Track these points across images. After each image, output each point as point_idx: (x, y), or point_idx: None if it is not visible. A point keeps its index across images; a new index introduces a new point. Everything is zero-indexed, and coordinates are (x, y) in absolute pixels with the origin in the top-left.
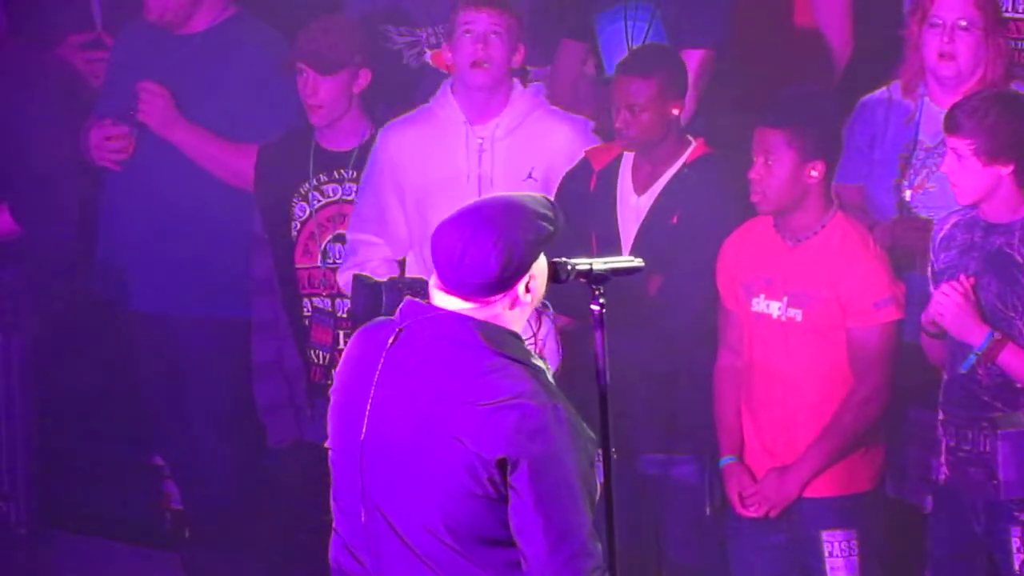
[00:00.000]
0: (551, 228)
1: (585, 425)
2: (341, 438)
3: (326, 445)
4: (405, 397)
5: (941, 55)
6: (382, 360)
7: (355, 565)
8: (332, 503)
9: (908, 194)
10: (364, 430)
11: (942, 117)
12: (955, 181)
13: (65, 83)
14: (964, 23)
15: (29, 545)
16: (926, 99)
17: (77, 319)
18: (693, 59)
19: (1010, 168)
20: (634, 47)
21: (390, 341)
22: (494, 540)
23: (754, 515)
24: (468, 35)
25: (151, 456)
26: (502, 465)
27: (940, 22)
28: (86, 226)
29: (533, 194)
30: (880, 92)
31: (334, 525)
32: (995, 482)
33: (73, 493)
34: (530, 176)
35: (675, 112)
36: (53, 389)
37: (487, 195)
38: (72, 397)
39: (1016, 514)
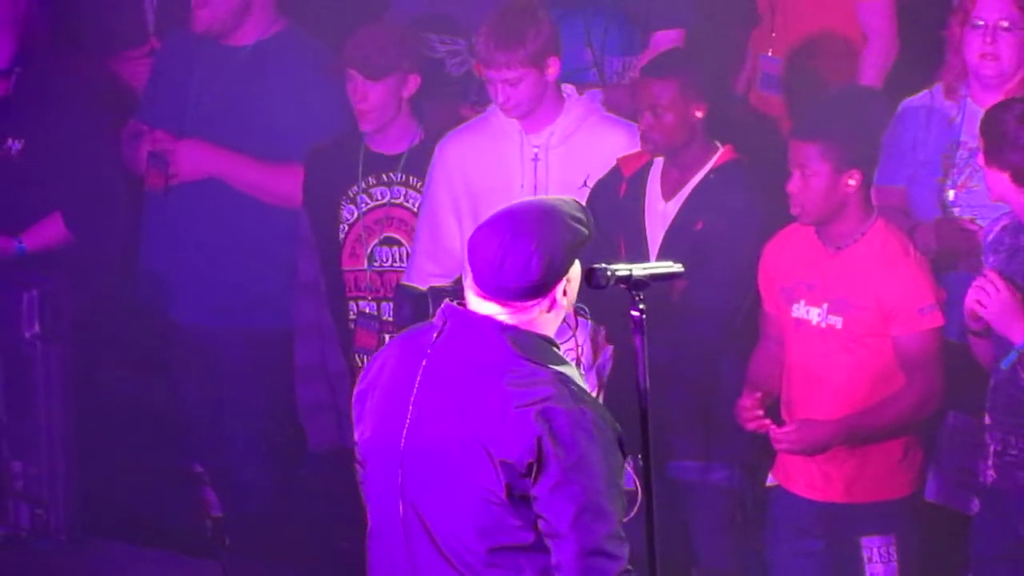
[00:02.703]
0: (586, 231)
1: (618, 428)
2: (381, 440)
3: (356, 441)
4: (440, 402)
5: (983, 56)
6: (423, 364)
7: (389, 567)
8: (367, 503)
9: (951, 194)
10: (405, 433)
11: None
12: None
13: (113, 92)
14: (1006, 23)
15: (69, 552)
16: (968, 100)
17: (118, 327)
18: (665, 41)
19: None
20: (594, 47)
21: (430, 345)
22: (523, 546)
23: (777, 447)
24: (491, 84)
25: (191, 463)
26: (528, 470)
27: (982, 23)
28: (131, 235)
29: (565, 198)
30: (922, 95)
31: (369, 526)
32: None
33: (112, 500)
34: (585, 184)
35: (698, 115)
36: (93, 397)
37: (523, 200)
38: (112, 404)
39: None
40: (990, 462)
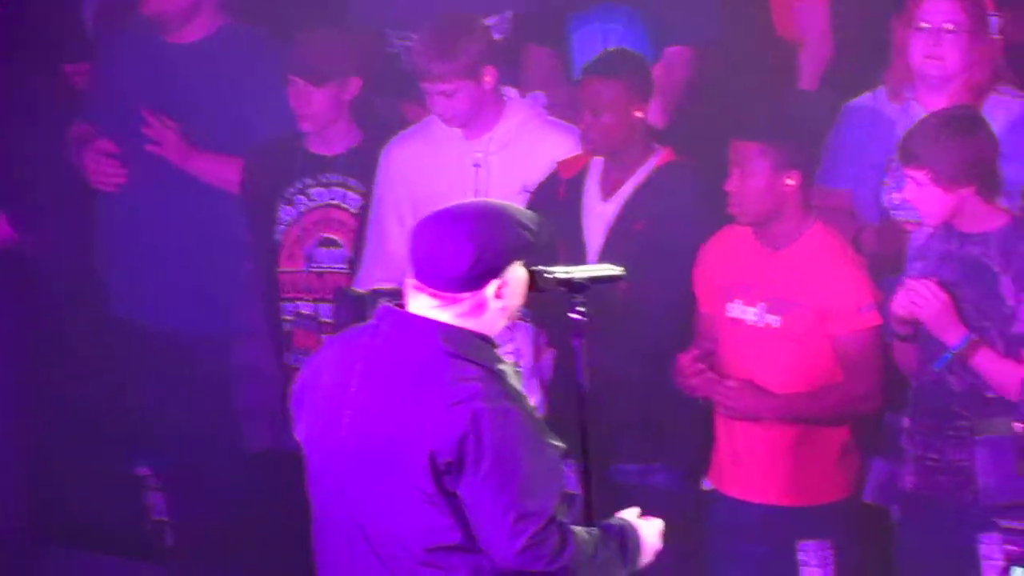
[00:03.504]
0: (530, 238)
1: (547, 430)
2: (320, 440)
3: (298, 439)
4: (375, 403)
5: (927, 58)
6: (359, 365)
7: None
8: (312, 505)
9: (897, 197)
10: (343, 434)
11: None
12: (917, 206)
13: (58, 92)
14: (951, 26)
15: (19, 557)
16: (912, 102)
17: (67, 329)
18: (676, 57)
19: (971, 189)
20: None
21: (365, 346)
22: (456, 546)
23: (720, 405)
24: (431, 96)
25: (135, 466)
26: (449, 468)
27: (927, 25)
28: (81, 236)
29: (521, 207)
30: (865, 97)
31: (314, 525)
32: (973, 489)
33: (59, 505)
34: (524, 190)
35: (638, 115)
36: (44, 400)
37: (473, 199)
38: (62, 407)
39: (996, 520)
40: (910, 467)
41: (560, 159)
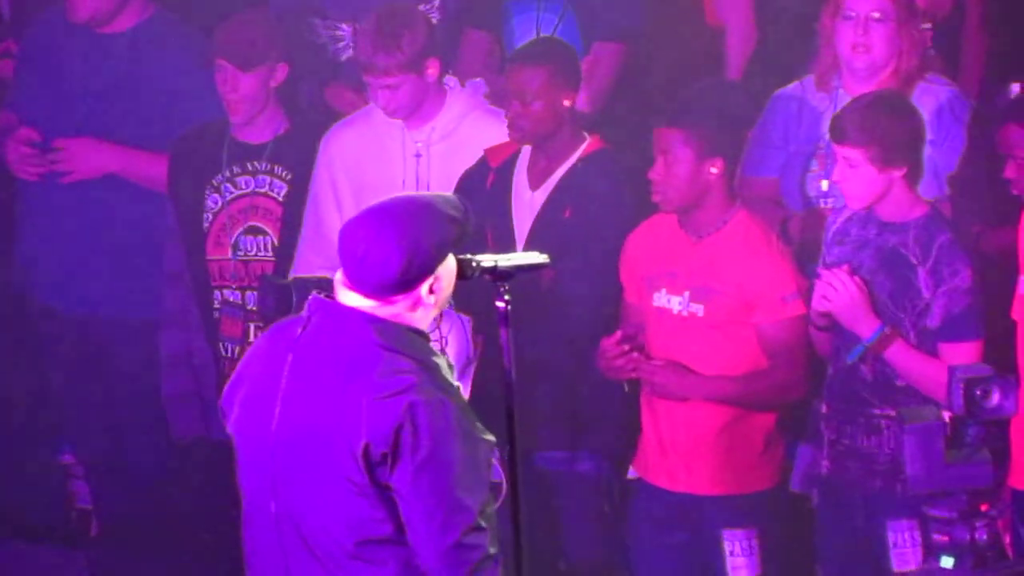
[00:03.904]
0: (458, 231)
1: (479, 424)
2: (250, 432)
3: (230, 432)
4: (306, 394)
5: (855, 47)
6: (290, 356)
7: (264, 557)
8: (242, 497)
9: (825, 184)
10: (273, 427)
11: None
12: (847, 188)
13: None
14: (878, 15)
15: None
16: (840, 91)
17: None
18: (604, 52)
19: (903, 171)
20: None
21: (297, 337)
22: (387, 539)
23: (646, 382)
24: (374, 89)
25: (60, 454)
26: (383, 459)
27: (854, 14)
28: (2, 223)
29: (445, 194)
30: (793, 86)
31: (243, 516)
32: (882, 475)
33: None
34: None
35: (567, 103)
36: None
37: (400, 193)
38: None
39: (925, 509)
40: (825, 452)
41: (487, 147)
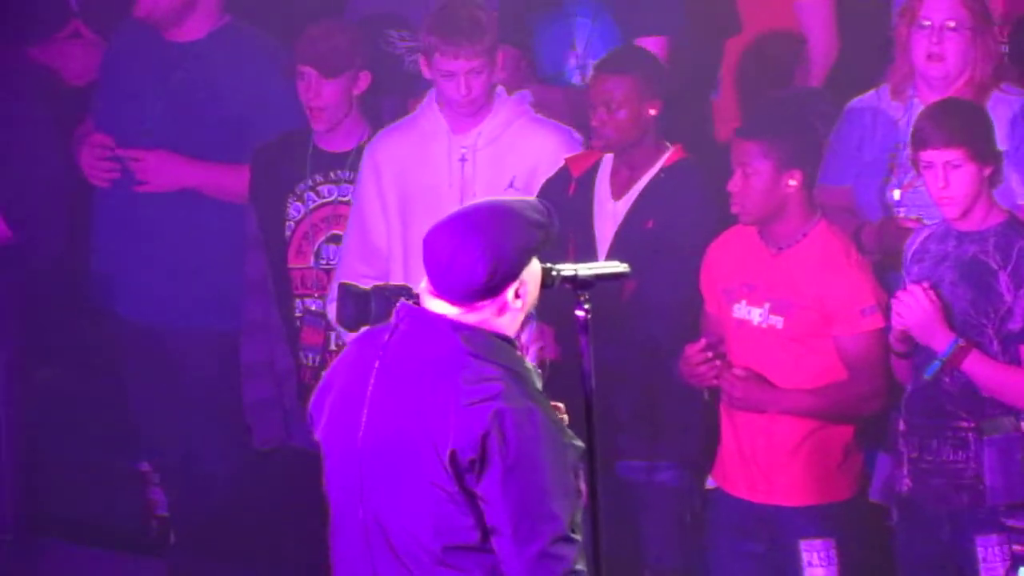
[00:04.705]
0: (543, 236)
1: (570, 432)
2: (338, 439)
3: (317, 438)
4: (394, 401)
5: (930, 56)
6: (377, 363)
7: (351, 564)
8: (329, 504)
9: (897, 194)
10: (361, 433)
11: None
12: (949, 193)
13: (45, 86)
14: (953, 24)
15: (14, 553)
16: (915, 101)
17: (65, 326)
18: (650, 46)
19: (990, 170)
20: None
21: (384, 343)
22: (474, 546)
23: (726, 394)
24: (447, 78)
25: (138, 463)
26: (471, 466)
27: (929, 23)
28: (79, 233)
29: (529, 199)
30: (868, 96)
31: (331, 523)
32: (969, 490)
33: (59, 500)
34: (511, 186)
35: (652, 112)
36: (40, 396)
37: (483, 199)
38: (59, 404)
39: (1003, 520)
40: (905, 470)
41: (568, 156)
